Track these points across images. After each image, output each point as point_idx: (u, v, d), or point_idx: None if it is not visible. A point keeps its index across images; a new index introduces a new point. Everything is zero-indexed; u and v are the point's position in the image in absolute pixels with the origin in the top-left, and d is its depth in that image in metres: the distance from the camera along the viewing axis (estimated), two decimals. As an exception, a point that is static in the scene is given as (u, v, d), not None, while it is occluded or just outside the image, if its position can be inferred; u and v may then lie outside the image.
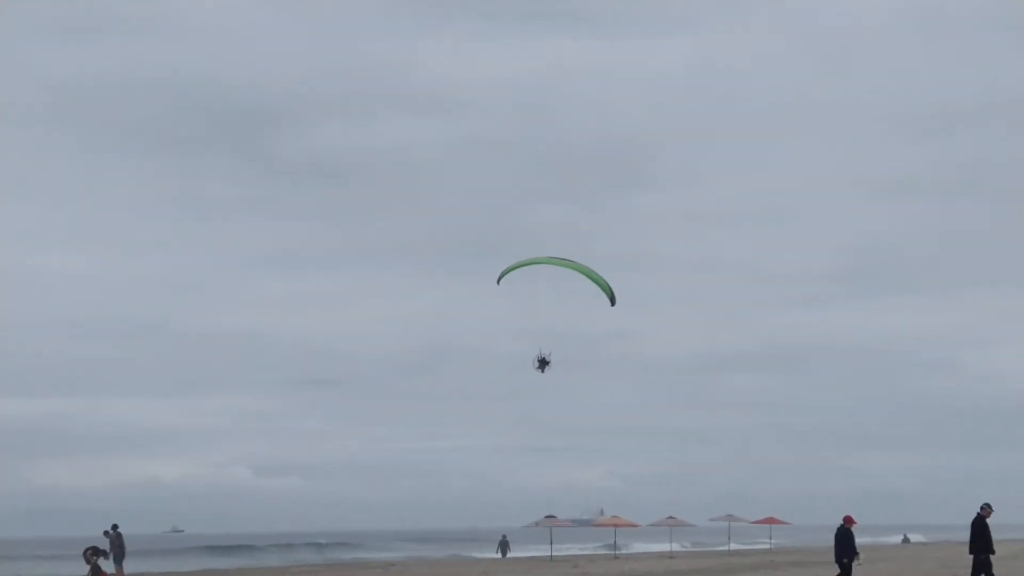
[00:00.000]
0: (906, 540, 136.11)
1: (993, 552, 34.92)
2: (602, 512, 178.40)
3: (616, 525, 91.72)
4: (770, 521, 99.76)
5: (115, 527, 62.41)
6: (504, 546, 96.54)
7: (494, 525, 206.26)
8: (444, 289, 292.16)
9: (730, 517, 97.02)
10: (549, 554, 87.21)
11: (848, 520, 35.37)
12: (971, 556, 35.03)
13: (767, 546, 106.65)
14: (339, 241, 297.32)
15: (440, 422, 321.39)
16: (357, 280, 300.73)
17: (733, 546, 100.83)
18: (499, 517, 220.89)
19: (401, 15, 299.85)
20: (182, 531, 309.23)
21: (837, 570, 36.14)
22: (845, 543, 35.12)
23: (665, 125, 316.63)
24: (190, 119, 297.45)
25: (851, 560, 35.21)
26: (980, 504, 35.03)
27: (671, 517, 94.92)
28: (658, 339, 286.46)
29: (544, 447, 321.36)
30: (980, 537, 34.67)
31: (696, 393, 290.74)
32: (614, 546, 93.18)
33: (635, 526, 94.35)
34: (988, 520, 34.95)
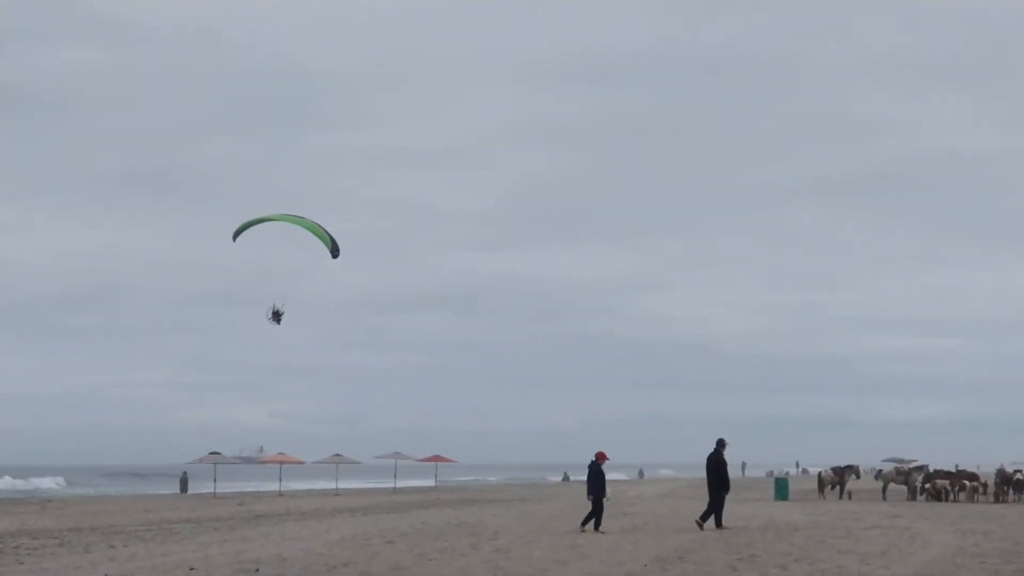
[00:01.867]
0: (566, 479, 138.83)
1: (727, 490, 34.84)
2: (262, 450, 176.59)
3: (282, 462, 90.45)
4: (436, 459, 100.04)
5: None
6: (184, 483, 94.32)
7: (160, 461, 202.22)
8: (110, 224, 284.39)
9: (397, 455, 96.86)
10: (213, 491, 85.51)
11: (600, 456, 34.93)
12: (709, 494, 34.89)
13: (432, 484, 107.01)
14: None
15: (103, 358, 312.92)
16: (17, 212, 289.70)
17: (399, 483, 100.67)
18: (164, 453, 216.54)
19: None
20: None
21: (588, 506, 35.73)
22: (598, 480, 34.69)
23: (343, 64, 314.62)
24: None
25: (602, 496, 34.84)
26: (716, 440, 34.84)
27: (337, 455, 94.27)
28: (327, 278, 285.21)
29: (209, 384, 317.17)
30: (717, 475, 34.56)
31: (365, 333, 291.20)
32: (279, 483, 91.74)
33: (301, 463, 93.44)
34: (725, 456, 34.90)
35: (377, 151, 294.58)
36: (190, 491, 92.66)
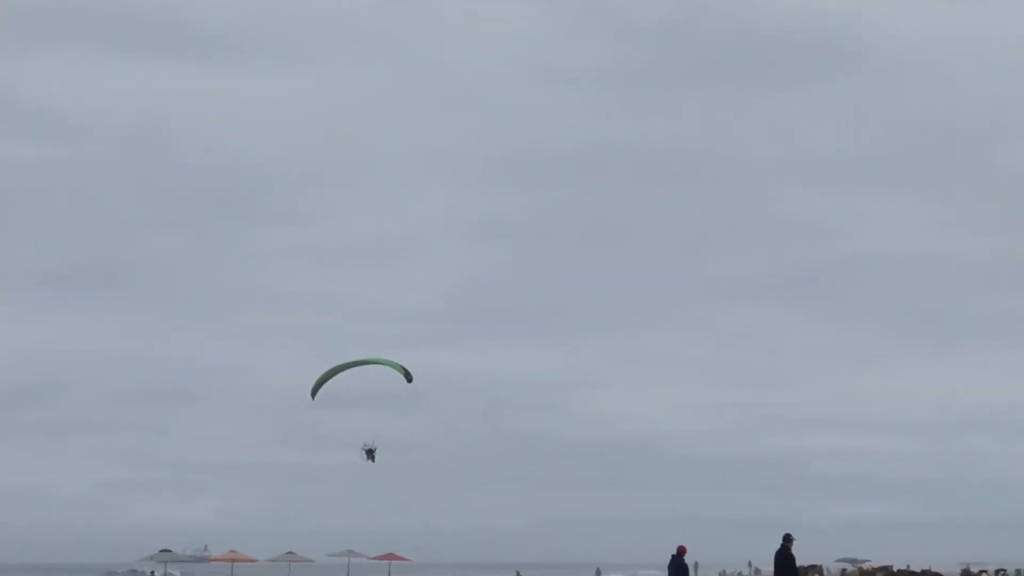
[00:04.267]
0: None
1: None
2: (207, 548, 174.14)
3: (234, 560, 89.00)
4: (390, 557, 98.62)
5: None
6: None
7: (101, 560, 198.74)
8: (47, 318, 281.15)
9: (350, 553, 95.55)
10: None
11: (681, 550, 34.70)
12: None
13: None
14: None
15: (40, 455, 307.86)
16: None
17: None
18: (105, 552, 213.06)
19: (12, 35, 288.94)
20: None
21: None
22: (683, 572, 34.33)
23: (280, 159, 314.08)
24: None
25: None
26: (783, 536, 34.34)
27: (290, 552, 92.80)
28: (268, 373, 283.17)
29: (149, 481, 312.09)
30: (787, 570, 34.07)
31: (306, 430, 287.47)
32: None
33: (253, 561, 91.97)
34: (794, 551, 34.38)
35: (316, 247, 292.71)
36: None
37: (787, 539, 34.43)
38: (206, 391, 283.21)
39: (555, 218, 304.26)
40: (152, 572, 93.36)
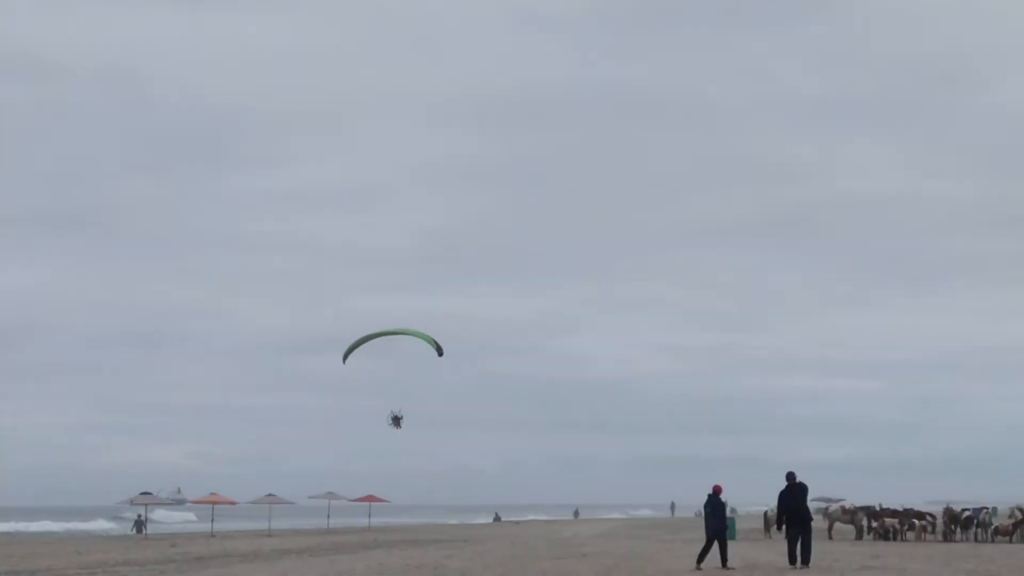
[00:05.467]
0: (497, 519, 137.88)
1: (811, 518, 34.39)
2: (179, 491, 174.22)
3: (214, 503, 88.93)
4: (370, 499, 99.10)
5: None
6: (141, 524, 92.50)
7: (74, 503, 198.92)
8: (23, 263, 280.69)
9: (330, 495, 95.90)
10: (144, 532, 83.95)
11: (717, 489, 34.61)
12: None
13: (366, 524, 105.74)
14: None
15: (14, 399, 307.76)
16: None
17: (333, 523, 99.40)
18: (78, 495, 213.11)
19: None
20: None
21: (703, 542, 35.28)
22: (720, 512, 34.19)
23: (255, 104, 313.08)
24: None
25: (724, 529, 34.66)
26: (786, 474, 34.40)
27: (271, 495, 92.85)
28: (243, 318, 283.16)
29: (122, 425, 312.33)
30: (800, 505, 34.04)
31: (281, 373, 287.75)
32: (212, 523, 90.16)
33: (233, 503, 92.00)
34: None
35: (291, 191, 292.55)
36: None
37: (792, 476, 34.44)
38: (182, 334, 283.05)
39: (530, 163, 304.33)
40: (139, 515, 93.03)
